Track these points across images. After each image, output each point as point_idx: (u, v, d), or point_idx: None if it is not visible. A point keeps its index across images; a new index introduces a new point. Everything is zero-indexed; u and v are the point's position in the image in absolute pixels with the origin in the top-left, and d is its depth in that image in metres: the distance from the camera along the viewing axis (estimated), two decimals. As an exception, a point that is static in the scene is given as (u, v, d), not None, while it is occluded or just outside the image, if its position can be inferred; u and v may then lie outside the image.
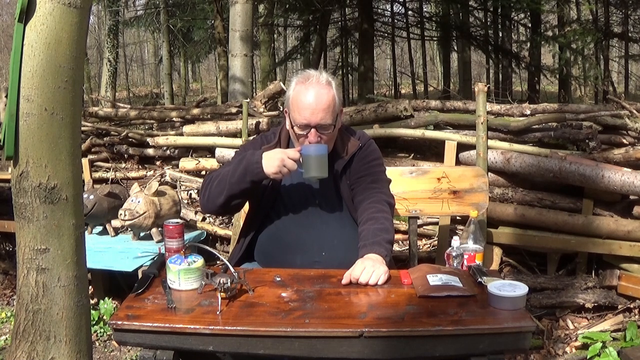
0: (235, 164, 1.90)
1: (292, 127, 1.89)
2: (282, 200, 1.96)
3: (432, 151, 3.35)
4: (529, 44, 10.26)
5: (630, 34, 9.43)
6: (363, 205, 1.90)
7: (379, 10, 11.42)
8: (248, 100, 3.72)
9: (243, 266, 1.95)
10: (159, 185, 3.06)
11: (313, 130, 1.84)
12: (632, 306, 2.75)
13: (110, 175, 4.22)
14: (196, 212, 3.66)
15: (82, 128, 3.87)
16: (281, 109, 3.97)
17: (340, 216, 1.96)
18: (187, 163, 3.89)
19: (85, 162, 4.08)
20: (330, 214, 1.95)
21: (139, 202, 2.88)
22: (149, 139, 4.04)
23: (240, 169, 1.85)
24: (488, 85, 3.41)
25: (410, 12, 11.52)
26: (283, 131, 2.00)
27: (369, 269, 1.66)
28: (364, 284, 1.65)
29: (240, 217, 2.99)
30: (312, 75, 1.88)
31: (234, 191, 1.87)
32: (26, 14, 1.56)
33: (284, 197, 1.96)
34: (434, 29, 11.82)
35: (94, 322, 2.88)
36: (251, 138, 2.17)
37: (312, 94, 1.83)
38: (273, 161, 1.80)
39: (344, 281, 1.67)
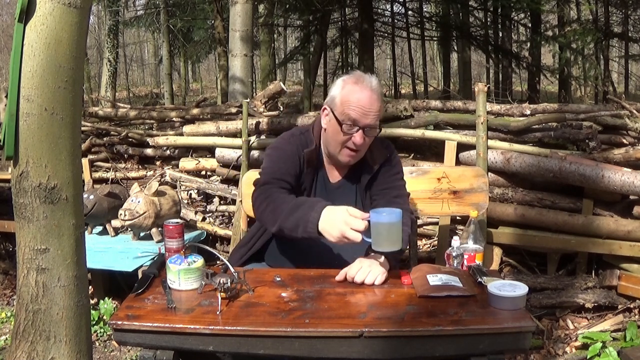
0: (291, 207, 1.71)
1: (340, 125, 1.81)
2: None
3: (432, 151, 3.35)
4: (529, 44, 10.26)
5: (630, 34, 9.43)
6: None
7: (379, 10, 11.41)
8: (248, 100, 3.72)
9: (250, 266, 1.93)
10: (159, 185, 3.07)
11: (360, 131, 1.80)
12: (632, 306, 2.75)
13: (110, 175, 4.22)
14: (196, 212, 3.66)
15: (82, 128, 3.87)
16: (281, 109, 3.97)
17: None
18: (187, 163, 3.89)
19: (85, 162, 4.08)
20: None
21: (139, 202, 2.88)
22: (148, 139, 4.04)
23: (294, 218, 1.68)
24: (488, 85, 3.42)
25: (410, 12, 11.52)
26: (316, 135, 1.93)
27: (365, 268, 1.66)
28: (359, 283, 1.65)
29: (240, 217, 2.99)
30: (363, 77, 1.84)
31: (284, 233, 1.74)
32: (26, 14, 1.56)
33: None
34: (434, 29, 11.81)
35: (94, 322, 2.88)
36: (288, 139, 1.96)
37: (366, 95, 1.80)
38: (333, 229, 1.59)
39: (338, 277, 1.68)
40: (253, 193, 1.86)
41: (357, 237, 1.57)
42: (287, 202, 1.74)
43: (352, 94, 1.81)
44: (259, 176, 1.90)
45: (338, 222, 1.59)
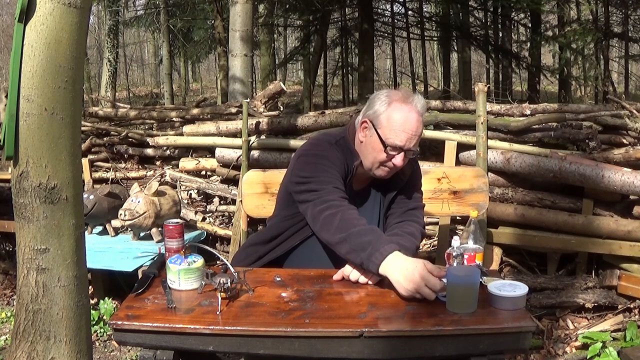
0: (366, 229, 1.64)
1: (383, 146, 1.74)
2: None
3: (432, 151, 3.36)
4: (529, 44, 10.27)
5: (630, 34, 9.44)
6: (397, 224, 1.87)
7: (379, 10, 11.43)
8: (248, 100, 3.72)
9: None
10: (159, 185, 3.06)
11: (402, 154, 1.75)
12: (632, 306, 2.75)
13: (110, 175, 4.22)
14: (196, 212, 3.66)
15: (82, 128, 3.87)
16: (281, 109, 3.97)
17: None
18: (187, 163, 3.89)
19: (85, 162, 4.08)
20: None
21: (139, 202, 2.88)
22: (149, 139, 4.05)
23: (364, 240, 1.60)
24: (488, 85, 3.42)
25: (410, 12, 11.52)
26: (351, 143, 1.87)
27: (360, 267, 1.66)
28: (353, 281, 1.66)
29: (240, 217, 2.99)
30: (412, 97, 1.77)
31: (341, 249, 1.66)
32: (26, 14, 1.56)
33: None
34: (434, 29, 11.83)
35: (94, 322, 2.88)
36: (323, 144, 1.85)
37: (414, 118, 1.74)
38: (408, 282, 1.50)
39: (336, 277, 1.68)
40: (311, 194, 1.75)
41: (432, 296, 1.50)
42: (361, 220, 1.67)
43: (399, 115, 1.74)
44: (299, 184, 1.78)
45: (415, 276, 1.50)
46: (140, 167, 4.33)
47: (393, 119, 1.74)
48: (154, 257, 2.59)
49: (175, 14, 11.77)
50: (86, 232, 2.72)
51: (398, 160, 1.75)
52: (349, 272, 1.66)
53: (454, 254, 1.80)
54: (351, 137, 1.88)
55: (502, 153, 3.02)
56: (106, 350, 2.78)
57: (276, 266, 1.90)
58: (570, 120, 3.10)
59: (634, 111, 3.08)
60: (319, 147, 1.85)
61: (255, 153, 3.48)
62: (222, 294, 1.50)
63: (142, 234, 3.06)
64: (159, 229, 2.95)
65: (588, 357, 2.45)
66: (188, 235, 3.07)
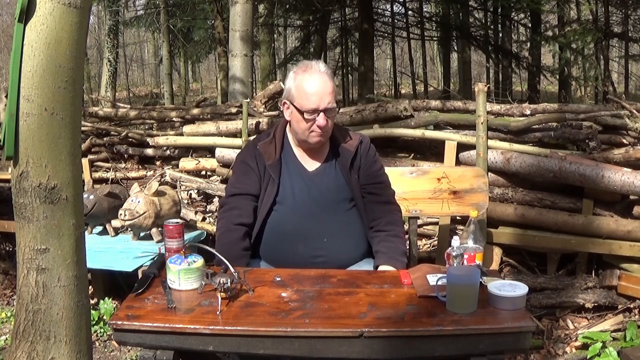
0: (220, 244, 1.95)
1: (301, 114, 1.91)
2: (284, 192, 1.99)
3: (432, 151, 3.35)
4: (529, 44, 10.27)
5: (630, 34, 9.44)
6: (379, 226, 2.01)
7: (379, 10, 11.43)
8: (248, 100, 3.72)
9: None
10: (159, 185, 3.06)
11: (322, 113, 1.89)
12: (632, 306, 2.75)
13: (110, 175, 4.22)
14: (196, 212, 3.66)
15: (82, 128, 3.87)
16: (281, 109, 3.97)
17: (343, 205, 2.00)
18: (187, 163, 3.89)
19: (85, 162, 4.08)
20: (332, 203, 1.98)
21: (139, 202, 2.88)
22: (149, 139, 4.05)
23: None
24: (488, 85, 3.42)
25: (410, 12, 11.52)
26: (278, 129, 2.06)
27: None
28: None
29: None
30: (310, 64, 1.96)
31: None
32: (26, 14, 1.56)
33: (286, 189, 1.99)
34: (434, 29, 11.83)
35: (94, 322, 2.88)
36: (244, 146, 2.22)
37: (317, 79, 1.91)
38: None
39: None
40: (220, 201, 2.10)
41: None
42: (223, 237, 1.98)
43: (304, 82, 1.92)
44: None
45: None
46: (140, 167, 4.33)
47: (300, 87, 1.92)
48: (154, 257, 2.59)
49: (175, 14, 11.76)
50: (86, 232, 2.72)
51: (320, 121, 1.90)
52: None
53: (454, 254, 1.80)
54: (281, 124, 2.08)
55: (502, 153, 3.01)
56: (106, 350, 2.78)
57: (252, 258, 2.02)
58: (570, 120, 3.10)
59: (634, 111, 3.08)
60: (240, 152, 2.19)
61: (255, 153, 3.47)
62: (222, 294, 1.51)
63: (142, 234, 3.06)
64: (159, 229, 2.95)
65: (588, 357, 2.45)
66: (188, 235, 3.07)
